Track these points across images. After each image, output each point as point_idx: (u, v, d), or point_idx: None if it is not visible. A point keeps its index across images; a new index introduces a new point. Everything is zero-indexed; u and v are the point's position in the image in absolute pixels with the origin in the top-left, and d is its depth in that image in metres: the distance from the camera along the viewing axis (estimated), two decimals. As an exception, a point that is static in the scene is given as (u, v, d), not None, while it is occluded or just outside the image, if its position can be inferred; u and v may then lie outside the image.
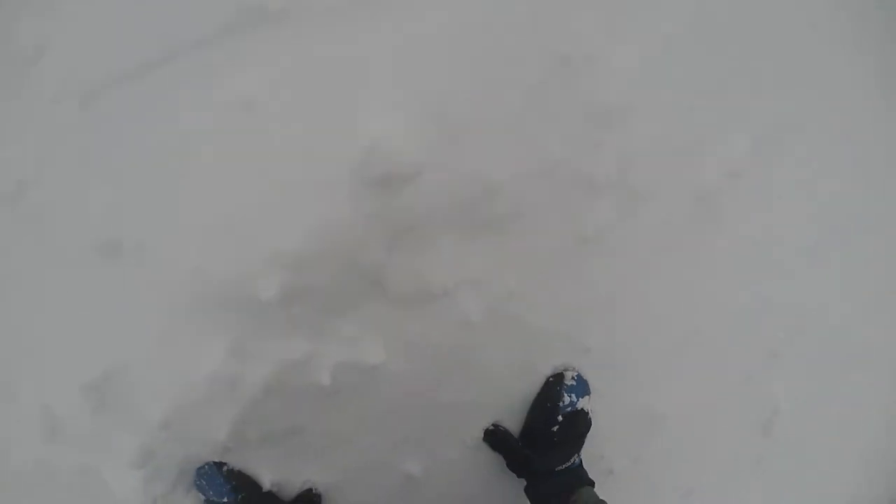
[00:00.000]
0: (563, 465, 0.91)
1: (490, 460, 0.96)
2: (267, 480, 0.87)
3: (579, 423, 0.92)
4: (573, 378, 0.93)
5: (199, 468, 0.84)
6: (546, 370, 0.93)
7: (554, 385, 0.92)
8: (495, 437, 0.93)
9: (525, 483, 0.94)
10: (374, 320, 0.81)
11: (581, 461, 0.95)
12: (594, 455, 1.03)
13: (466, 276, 0.82)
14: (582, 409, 0.92)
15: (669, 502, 1.29)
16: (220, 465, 0.84)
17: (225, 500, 0.83)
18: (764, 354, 1.26)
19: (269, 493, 0.86)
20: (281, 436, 0.87)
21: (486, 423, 0.93)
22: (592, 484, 0.93)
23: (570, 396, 0.91)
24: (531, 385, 0.93)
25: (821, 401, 1.45)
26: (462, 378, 0.89)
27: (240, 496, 0.83)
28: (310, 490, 0.89)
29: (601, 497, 0.88)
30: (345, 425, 0.88)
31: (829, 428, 1.57)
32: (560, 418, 0.90)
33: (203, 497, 0.85)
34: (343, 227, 0.75)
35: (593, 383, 0.96)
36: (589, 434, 0.96)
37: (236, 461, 0.85)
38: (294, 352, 0.80)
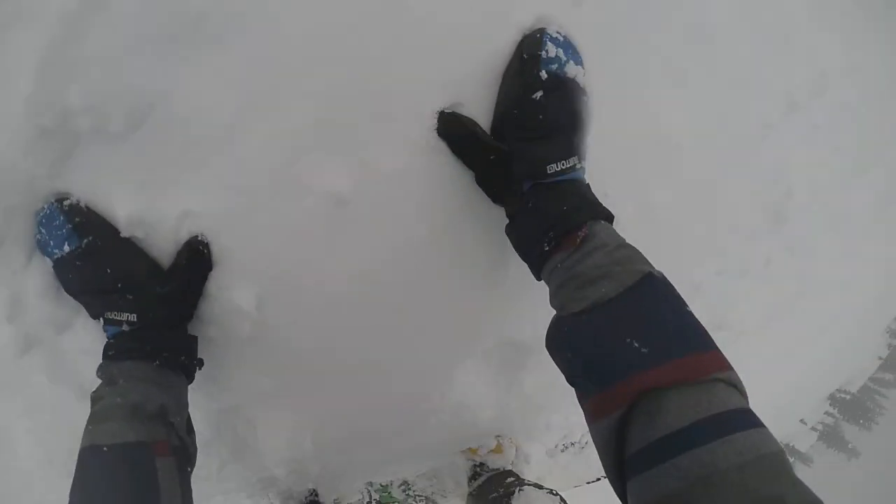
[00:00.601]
0: (558, 165, 0.61)
1: (451, 172, 0.67)
2: (122, 217, 0.61)
3: (573, 96, 0.64)
4: (559, 33, 0.64)
5: (38, 214, 0.62)
6: (522, 23, 0.64)
7: (533, 34, 0.63)
8: (454, 127, 0.64)
9: (506, 223, 0.66)
10: None
11: (584, 173, 0.66)
12: (597, 193, 0.76)
13: None
14: (574, 78, 0.64)
15: (680, 291, 1.07)
16: (61, 200, 0.61)
17: (66, 248, 0.61)
18: (784, 103, 1.04)
19: (128, 242, 0.62)
20: (122, 128, 0.59)
21: (440, 105, 0.64)
22: (610, 218, 0.62)
23: (556, 49, 0.62)
24: (501, 48, 0.64)
25: (832, 194, 1.28)
26: (397, 32, 0.59)
27: (84, 241, 0.61)
28: (195, 237, 0.64)
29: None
30: (219, 111, 0.59)
31: (840, 228, 1.42)
32: (544, 75, 0.61)
33: (49, 260, 0.63)
34: None
35: (590, 73, 0.67)
36: (590, 161, 0.67)
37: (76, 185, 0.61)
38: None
